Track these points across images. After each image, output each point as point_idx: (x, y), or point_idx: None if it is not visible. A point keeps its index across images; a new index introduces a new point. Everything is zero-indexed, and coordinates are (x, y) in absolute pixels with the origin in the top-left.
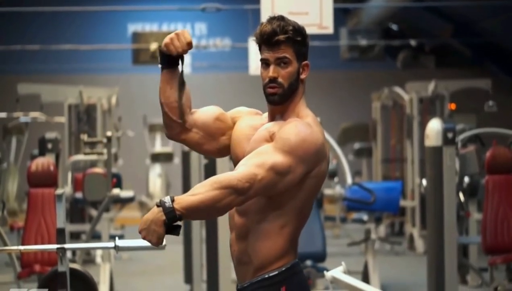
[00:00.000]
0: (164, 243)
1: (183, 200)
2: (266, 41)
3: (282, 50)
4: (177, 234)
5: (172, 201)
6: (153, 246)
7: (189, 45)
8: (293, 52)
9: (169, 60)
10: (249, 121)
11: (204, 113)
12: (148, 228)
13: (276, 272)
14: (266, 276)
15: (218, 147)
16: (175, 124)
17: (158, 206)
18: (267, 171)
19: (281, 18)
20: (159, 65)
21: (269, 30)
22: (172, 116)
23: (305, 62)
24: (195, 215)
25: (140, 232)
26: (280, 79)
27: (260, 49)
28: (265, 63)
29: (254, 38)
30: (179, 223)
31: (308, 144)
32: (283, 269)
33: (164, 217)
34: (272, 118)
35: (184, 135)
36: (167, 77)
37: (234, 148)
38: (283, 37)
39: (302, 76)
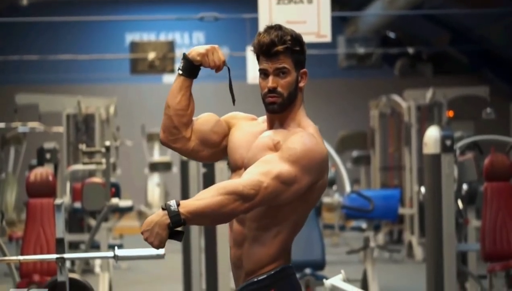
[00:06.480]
0: (163, 252)
1: (188, 204)
2: (265, 52)
3: (281, 61)
4: (180, 240)
5: (178, 205)
6: (152, 256)
7: (224, 63)
8: (291, 61)
9: (192, 69)
10: (247, 127)
11: (200, 121)
12: (152, 230)
13: (265, 276)
14: (255, 279)
15: (213, 152)
16: (175, 131)
17: (163, 209)
18: (272, 179)
19: (278, 27)
20: (179, 71)
21: (268, 41)
22: (175, 123)
23: (303, 70)
24: (199, 220)
25: (142, 233)
26: (279, 89)
27: (258, 59)
28: (263, 73)
29: (252, 48)
30: (182, 229)
31: (313, 155)
32: (272, 272)
33: (168, 220)
34: (271, 125)
35: (180, 143)
36: (183, 84)
37: (232, 154)
38: (282, 48)
39: (301, 84)
